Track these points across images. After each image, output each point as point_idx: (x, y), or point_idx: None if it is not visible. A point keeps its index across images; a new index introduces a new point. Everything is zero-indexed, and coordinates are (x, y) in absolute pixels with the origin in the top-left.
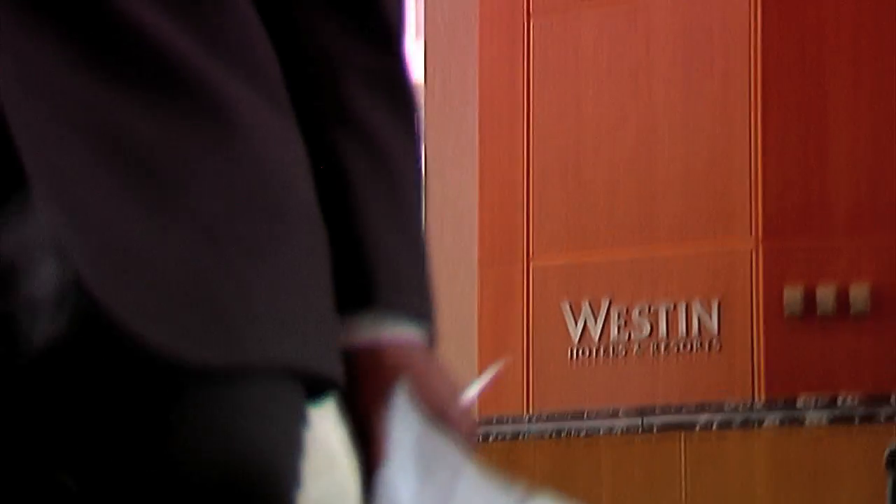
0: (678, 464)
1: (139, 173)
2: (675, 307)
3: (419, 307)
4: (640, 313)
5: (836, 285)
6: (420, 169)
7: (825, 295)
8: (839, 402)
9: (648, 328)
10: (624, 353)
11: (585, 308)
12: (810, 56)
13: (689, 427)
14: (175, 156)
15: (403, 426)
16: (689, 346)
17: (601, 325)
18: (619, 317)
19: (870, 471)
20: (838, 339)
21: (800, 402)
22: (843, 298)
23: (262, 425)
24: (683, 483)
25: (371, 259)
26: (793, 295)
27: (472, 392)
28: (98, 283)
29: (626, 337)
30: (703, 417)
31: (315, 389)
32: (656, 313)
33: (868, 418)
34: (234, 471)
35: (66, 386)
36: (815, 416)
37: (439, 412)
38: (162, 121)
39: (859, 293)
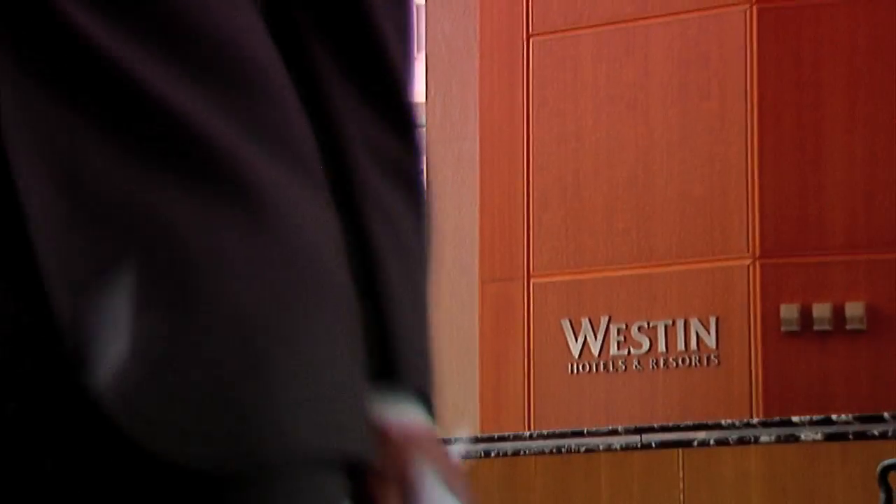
0: (676, 480)
1: (169, 267)
2: (673, 324)
3: (426, 387)
4: (639, 330)
5: (832, 302)
6: (431, 256)
7: (821, 312)
8: (833, 418)
9: (647, 344)
10: (623, 368)
11: (585, 324)
12: (806, 77)
13: (686, 444)
14: (206, 243)
15: (434, 496)
16: (687, 362)
17: (601, 342)
18: (618, 333)
19: (863, 486)
20: (834, 356)
21: (795, 419)
22: (838, 315)
23: None
24: (681, 498)
25: (393, 342)
26: (789, 311)
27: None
28: (118, 397)
29: (626, 353)
30: (700, 434)
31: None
32: (655, 330)
33: (861, 435)
34: None
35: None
36: (809, 433)
37: (442, 482)
38: (192, 204)
39: (855, 310)
